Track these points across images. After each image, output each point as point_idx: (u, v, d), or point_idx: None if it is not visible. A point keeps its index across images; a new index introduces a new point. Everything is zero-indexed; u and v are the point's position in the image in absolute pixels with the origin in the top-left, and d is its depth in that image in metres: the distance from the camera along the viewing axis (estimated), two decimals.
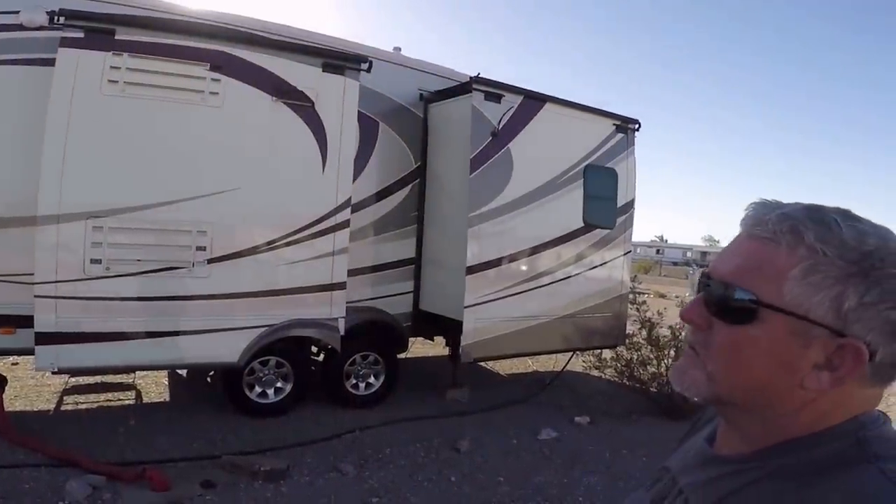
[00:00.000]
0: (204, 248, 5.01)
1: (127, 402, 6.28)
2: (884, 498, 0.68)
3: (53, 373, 4.77)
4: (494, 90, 5.97)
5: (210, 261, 5.04)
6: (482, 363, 7.97)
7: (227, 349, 5.21)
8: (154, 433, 5.44)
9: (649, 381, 6.93)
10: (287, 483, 4.80)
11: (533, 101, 6.26)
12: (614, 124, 7.04)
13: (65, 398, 6.15)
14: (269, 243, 5.26)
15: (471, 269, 5.95)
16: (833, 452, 0.76)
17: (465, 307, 5.92)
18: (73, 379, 6.58)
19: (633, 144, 7.20)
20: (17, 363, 6.83)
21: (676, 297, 9.56)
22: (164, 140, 4.91)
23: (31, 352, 5.45)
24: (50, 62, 4.79)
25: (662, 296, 19.19)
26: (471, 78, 5.89)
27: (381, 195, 6.31)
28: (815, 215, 0.77)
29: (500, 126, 5.90)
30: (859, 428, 0.78)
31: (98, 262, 4.69)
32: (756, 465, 0.81)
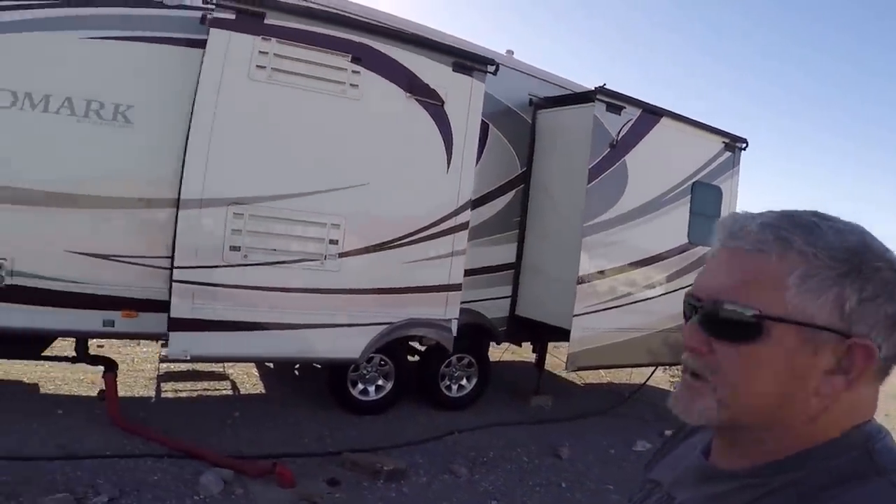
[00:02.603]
0: (336, 242, 4.98)
1: (224, 391, 6.25)
2: None
3: (184, 360, 4.71)
4: (616, 101, 5.96)
5: (341, 255, 5.00)
6: (556, 372, 8.00)
7: (350, 345, 5.17)
8: (261, 427, 5.41)
9: None
10: (406, 483, 4.79)
11: (650, 115, 6.26)
12: (723, 142, 7.06)
13: (162, 385, 6.11)
14: (393, 240, 5.23)
15: (581, 279, 5.92)
16: (844, 465, 0.74)
17: (574, 316, 5.90)
18: (163, 365, 6.55)
19: (739, 163, 7.20)
20: (101, 346, 6.75)
21: None
22: (306, 130, 4.88)
23: (151, 336, 5.48)
24: (186, 42, 4.84)
25: None
26: (595, 88, 5.88)
27: (487, 198, 6.28)
28: (795, 220, 0.77)
29: (619, 137, 5.89)
30: (867, 439, 0.77)
31: (237, 249, 4.66)
32: (763, 480, 0.78)
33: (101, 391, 5.21)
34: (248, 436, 5.18)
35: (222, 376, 6.60)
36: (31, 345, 5.04)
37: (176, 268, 4.48)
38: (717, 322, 0.78)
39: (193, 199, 4.50)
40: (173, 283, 4.49)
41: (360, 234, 5.10)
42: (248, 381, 6.63)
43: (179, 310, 4.50)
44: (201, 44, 4.91)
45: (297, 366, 7.00)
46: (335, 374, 5.81)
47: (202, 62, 4.59)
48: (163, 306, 4.95)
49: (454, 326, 5.59)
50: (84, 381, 5.94)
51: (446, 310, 5.52)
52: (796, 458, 0.77)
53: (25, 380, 5.76)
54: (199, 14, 4.91)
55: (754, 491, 0.78)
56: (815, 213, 0.79)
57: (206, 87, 4.52)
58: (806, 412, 0.76)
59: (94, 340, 5.85)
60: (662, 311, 6.68)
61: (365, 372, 5.87)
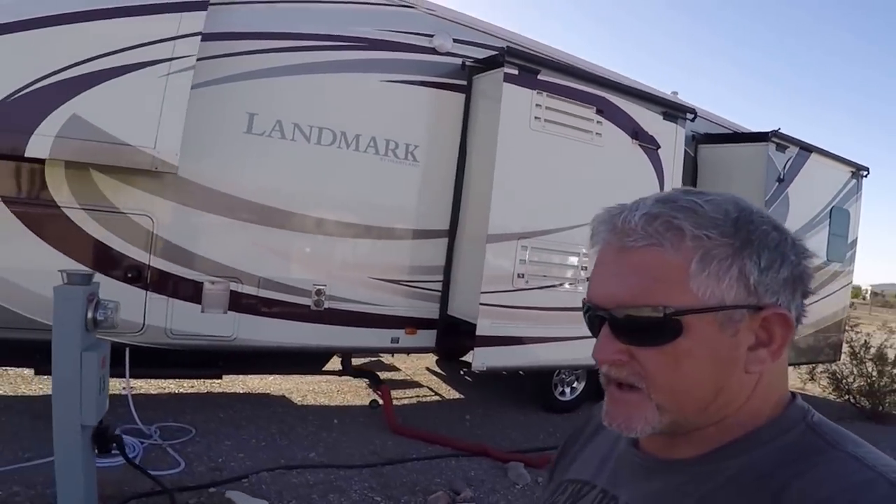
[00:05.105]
0: (586, 268, 5.78)
1: (431, 397, 6.95)
2: (877, 485, 0.68)
3: (481, 372, 5.41)
4: (783, 142, 6.95)
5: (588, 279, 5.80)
6: None
7: (590, 353, 5.97)
8: (495, 426, 6.14)
9: (857, 391, 8.13)
10: None
11: (804, 151, 7.29)
12: (850, 170, 8.19)
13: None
14: None
15: None
16: (793, 442, 0.75)
17: None
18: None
19: (862, 188, 8.37)
20: None
21: None
22: (567, 173, 5.65)
23: (423, 350, 6.18)
24: (452, 87, 5.60)
25: None
26: (770, 131, 6.86)
27: None
28: (676, 204, 0.75)
29: (784, 172, 6.89)
30: (805, 414, 0.78)
31: (522, 276, 5.41)
32: (715, 466, 0.76)
33: (373, 401, 5.89)
34: (495, 433, 5.91)
35: (418, 384, 7.29)
36: (316, 360, 5.68)
37: (482, 293, 5.19)
38: (629, 329, 0.75)
39: (496, 235, 5.23)
40: (480, 306, 5.20)
41: None
42: (441, 387, 7.34)
43: (483, 328, 5.22)
44: (462, 88, 5.66)
45: (463, 370, 7.77)
46: (541, 379, 6.60)
47: (499, 111, 5.22)
48: (432, 324, 5.70)
49: None
50: (320, 392, 6.55)
51: None
52: (744, 440, 0.76)
53: (272, 392, 6.32)
54: (459, 61, 5.63)
55: (710, 479, 0.76)
56: (687, 191, 0.77)
57: (506, 138, 5.21)
58: (743, 393, 0.76)
59: None
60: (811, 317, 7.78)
61: (564, 376, 6.69)
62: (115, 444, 3.47)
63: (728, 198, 0.76)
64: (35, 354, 4.64)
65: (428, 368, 8.01)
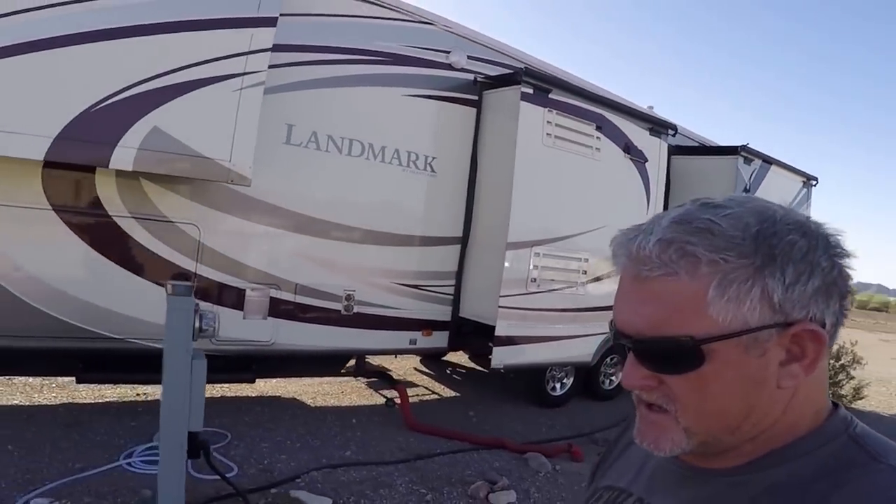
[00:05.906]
0: (585, 272, 6.25)
1: (429, 396, 7.22)
2: None
3: (499, 370, 5.76)
4: (750, 155, 7.65)
5: (587, 282, 6.27)
6: None
7: (587, 350, 6.47)
8: (499, 421, 6.50)
9: None
10: None
11: (765, 164, 8.02)
12: (802, 180, 9.01)
13: (383, 393, 6.92)
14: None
15: None
16: (833, 453, 0.74)
17: None
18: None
19: (811, 197, 9.23)
20: None
21: None
22: (572, 185, 6.09)
23: (436, 351, 6.46)
24: (464, 101, 5.93)
25: None
26: (740, 146, 7.54)
27: None
28: (690, 226, 0.71)
29: (750, 183, 7.59)
30: (846, 425, 0.77)
31: (534, 280, 5.80)
32: (755, 476, 0.76)
33: (388, 400, 6.13)
34: (500, 427, 6.25)
35: (414, 384, 7.54)
36: (339, 363, 5.88)
37: (501, 296, 5.55)
38: (656, 359, 0.74)
39: (514, 242, 5.60)
40: (499, 309, 5.55)
41: (597, 265, 6.38)
42: (436, 386, 7.64)
43: (501, 329, 5.59)
44: (473, 103, 6.00)
45: (448, 369, 8.12)
46: (535, 376, 7.01)
47: (517, 127, 5.56)
48: (446, 326, 6.03)
49: None
50: (327, 393, 6.71)
51: None
52: (781, 451, 0.76)
53: (282, 395, 6.44)
54: (472, 77, 5.97)
55: (749, 488, 0.75)
56: (704, 206, 0.74)
57: (524, 154, 5.59)
58: (776, 408, 0.74)
59: None
60: None
61: (555, 372, 7.14)
62: (203, 450, 3.62)
63: (750, 207, 0.73)
64: (78, 363, 4.65)
65: (416, 368, 8.28)
